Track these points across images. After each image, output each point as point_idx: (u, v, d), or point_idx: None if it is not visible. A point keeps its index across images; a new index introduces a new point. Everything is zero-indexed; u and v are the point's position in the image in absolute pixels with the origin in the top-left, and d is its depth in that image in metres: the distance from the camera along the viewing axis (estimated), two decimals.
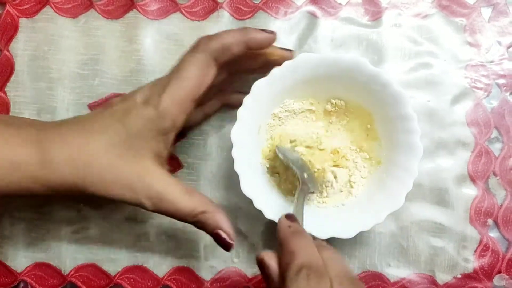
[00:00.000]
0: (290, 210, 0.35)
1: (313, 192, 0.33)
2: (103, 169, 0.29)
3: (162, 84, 0.29)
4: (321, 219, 0.34)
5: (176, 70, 0.29)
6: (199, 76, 0.28)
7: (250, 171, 0.32)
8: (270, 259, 0.26)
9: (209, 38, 0.29)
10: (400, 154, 0.33)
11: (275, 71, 0.32)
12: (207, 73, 0.29)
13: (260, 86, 0.32)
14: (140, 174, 0.29)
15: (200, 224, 0.30)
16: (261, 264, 0.26)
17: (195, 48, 0.29)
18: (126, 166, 0.29)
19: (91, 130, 0.29)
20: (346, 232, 0.32)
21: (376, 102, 0.34)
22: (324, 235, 0.32)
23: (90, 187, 0.29)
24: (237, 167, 0.31)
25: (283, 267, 0.24)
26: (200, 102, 0.31)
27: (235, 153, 0.31)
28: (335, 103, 0.36)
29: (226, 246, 0.30)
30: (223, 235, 0.30)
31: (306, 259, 0.23)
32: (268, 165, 0.36)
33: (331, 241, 0.37)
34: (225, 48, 0.29)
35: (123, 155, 0.29)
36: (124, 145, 0.29)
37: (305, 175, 0.33)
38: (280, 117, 0.36)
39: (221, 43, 0.29)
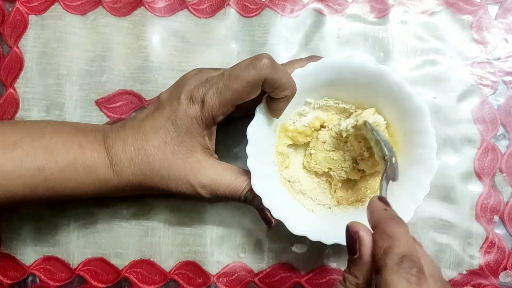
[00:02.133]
0: (300, 211, 0.35)
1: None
2: (159, 166, 0.31)
3: (211, 84, 0.30)
4: (328, 224, 0.34)
5: (228, 76, 0.30)
6: (246, 92, 0.30)
7: (262, 169, 0.32)
8: (367, 234, 0.24)
9: (273, 65, 0.29)
10: (414, 168, 0.33)
11: (298, 71, 0.32)
12: (252, 91, 0.30)
13: None
14: (193, 166, 0.32)
15: (248, 201, 0.32)
16: (353, 235, 0.25)
17: (256, 63, 0.29)
18: (179, 161, 0.31)
19: (145, 131, 0.32)
20: None
21: (396, 113, 0.33)
22: (330, 240, 0.32)
23: (150, 183, 0.32)
24: (250, 164, 0.31)
25: (380, 250, 0.23)
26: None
27: (249, 149, 0.31)
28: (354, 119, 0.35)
29: (267, 221, 0.32)
30: (266, 211, 0.32)
31: (407, 249, 0.22)
32: (281, 164, 0.36)
33: None
34: (280, 85, 0.29)
35: (176, 151, 0.31)
36: (175, 142, 0.31)
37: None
38: (301, 114, 0.36)
39: (279, 77, 0.29)
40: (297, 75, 0.31)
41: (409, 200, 0.32)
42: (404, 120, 0.33)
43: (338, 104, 0.35)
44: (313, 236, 0.32)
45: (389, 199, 0.31)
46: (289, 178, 0.36)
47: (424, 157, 0.32)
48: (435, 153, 0.32)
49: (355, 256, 0.24)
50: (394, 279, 0.21)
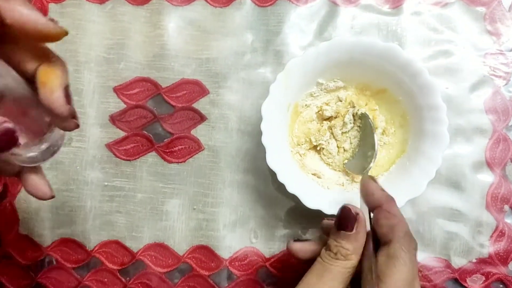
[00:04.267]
0: (312, 188, 0.36)
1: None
2: None
3: None
4: (341, 200, 0.35)
5: None
6: None
7: (276, 146, 0.33)
8: (363, 215, 0.29)
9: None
10: (426, 143, 0.33)
11: (310, 51, 0.33)
12: None
13: (293, 65, 0.33)
14: None
15: None
16: (352, 215, 0.28)
17: None
18: None
19: None
20: None
21: (406, 90, 0.34)
22: None
23: None
24: (265, 140, 0.32)
25: (386, 227, 0.28)
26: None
27: (263, 126, 0.32)
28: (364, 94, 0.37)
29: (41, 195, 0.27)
30: None
31: (407, 227, 0.28)
32: (293, 142, 0.37)
33: None
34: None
35: None
36: None
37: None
38: (313, 96, 0.37)
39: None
40: (310, 55, 0.33)
41: (421, 174, 0.33)
42: (414, 96, 0.34)
43: (348, 86, 0.37)
44: (327, 210, 0.33)
45: (401, 174, 0.34)
46: (302, 157, 0.37)
47: (435, 132, 0.33)
48: (446, 127, 0.32)
49: (350, 232, 0.28)
50: (399, 249, 0.27)
